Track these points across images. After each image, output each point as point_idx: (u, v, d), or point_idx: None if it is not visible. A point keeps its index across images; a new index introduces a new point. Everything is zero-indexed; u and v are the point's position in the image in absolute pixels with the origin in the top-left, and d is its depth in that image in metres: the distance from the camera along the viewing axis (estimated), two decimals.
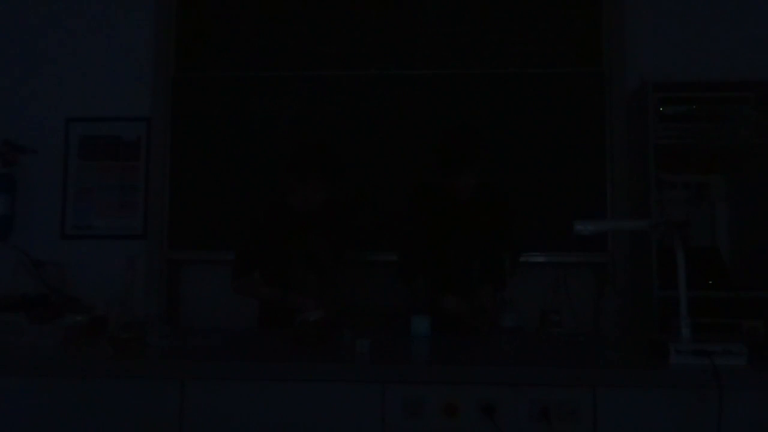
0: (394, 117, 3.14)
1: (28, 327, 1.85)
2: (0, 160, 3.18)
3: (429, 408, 1.52)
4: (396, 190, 3.07)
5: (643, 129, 2.84)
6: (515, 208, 2.51)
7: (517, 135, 3.06)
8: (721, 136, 2.82)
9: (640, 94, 2.88)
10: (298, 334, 1.84)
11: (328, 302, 2.25)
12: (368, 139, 3.13)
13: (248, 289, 2.42)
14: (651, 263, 2.72)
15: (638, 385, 1.51)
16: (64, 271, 3.11)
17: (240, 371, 1.58)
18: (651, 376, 1.51)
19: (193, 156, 3.20)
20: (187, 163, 3.20)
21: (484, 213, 2.37)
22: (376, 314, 2.65)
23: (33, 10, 3.35)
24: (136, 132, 3.26)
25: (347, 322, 2.06)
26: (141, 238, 3.21)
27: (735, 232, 3.09)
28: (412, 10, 3.22)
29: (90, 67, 3.30)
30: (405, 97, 3.15)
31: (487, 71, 3.15)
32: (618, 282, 2.96)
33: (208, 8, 3.28)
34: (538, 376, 1.52)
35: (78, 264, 3.15)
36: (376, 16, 3.22)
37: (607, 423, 1.50)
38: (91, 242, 3.23)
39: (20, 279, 2.70)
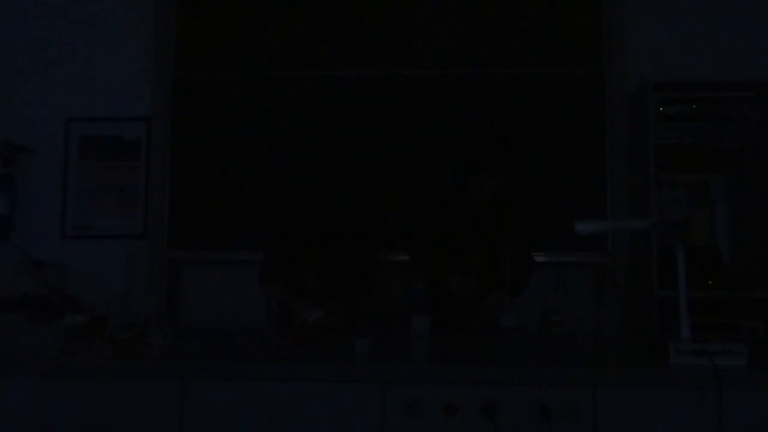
0: (394, 117, 3.14)
1: (28, 327, 1.85)
2: (0, 160, 3.18)
3: (429, 408, 1.52)
4: (395, 189, 3.08)
5: (643, 129, 2.84)
6: (532, 217, 2.52)
7: (517, 135, 3.05)
8: (721, 136, 2.82)
9: (640, 94, 2.88)
10: (297, 334, 1.84)
11: (336, 311, 2.27)
12: (368, 138, 3.13)
13: (269, 291, 2.55)
14: (651, 263, 2.72)
15: (638, 385, 1.51)
16: (64, 271, 3.11)
17: (240, 371, 1.58)
18: (651, 376, 1.51)
19: (193, 156, 3.20)
20: (187, 163, 3.20)
21: (500, 217, 2.38)
22: (376, 314, 2.65)
23: (33, 10, 3.35)
24: (136, 132, 3.26)
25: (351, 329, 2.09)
26: (141, 238, 3.21)
27: (735, 232, 3.09)
28: (412, 10, 3.22)
29: (90, 67, 3.30)
30: (405, 97, 3.15)
31: (487, 71, 3.15)
32: (618, 282, 2.96)
33: (208, 8, 3.28)
34: (538, 376, 1.52)
35: (78, 264, 3.15)
36: (377, 16, 3.22)
37: (607, 423, 1.49)
38: (91, 242, 3.23)
39: (20, 279, 2.70)
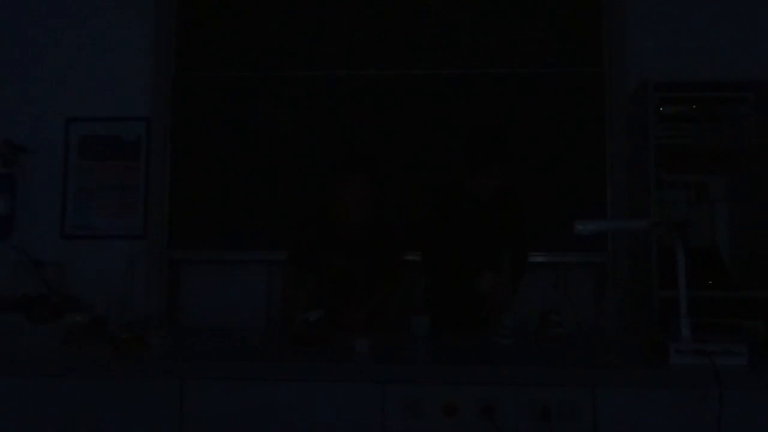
0: (394, 117, 3.14)
1: (28, 327, 1.85)
2: (0, 160, 3.18)
3: (429, 408, 1.52)
4: (394, 189, 3.07)
5: (643, 129, 2.83)
6: (527, 216, 2.52)
7: (518, 135, 3.05)
8: (721, 136, 2.82)
9: (640, 94, 2.88)
10: (298, 334, 1.84)
11: (359, 309, 2.27)
12: (368, 138, 3.13)
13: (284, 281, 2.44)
14: (651, 263, 2.72)
15: (638, 385, 1.51)
16: (64, 271, 3.11)
17: (240, 371, 1.58)
18: (651, 376, 1.51)
19: (193, 156, 3.20)
20: (187, 163, 3.20)
21: (500, 215, 2.38)
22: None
23: (33, 10, 3.34)
24: (136, 132, 3.26)
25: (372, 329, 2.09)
26: (141, 238, 3.21)
27: (735, 232, 3.09)
28: (412, 10, 3.22)
29: (90, 67, 3.30)
30: (405, 97, 3.15)
31: (487, 71, 3.15)
32: (618, 282, 2.96)
33: (208, 8, 3.28)
34: (538, 376, 1.52)
35: (78, 264, 3.15)
36: (376, 16, 3.22)
37: (607, 423, 1.50)
38: (91, 242, 3.23)
39: (20, 279, 2.70)
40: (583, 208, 3.03)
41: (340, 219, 2.37)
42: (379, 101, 3.15)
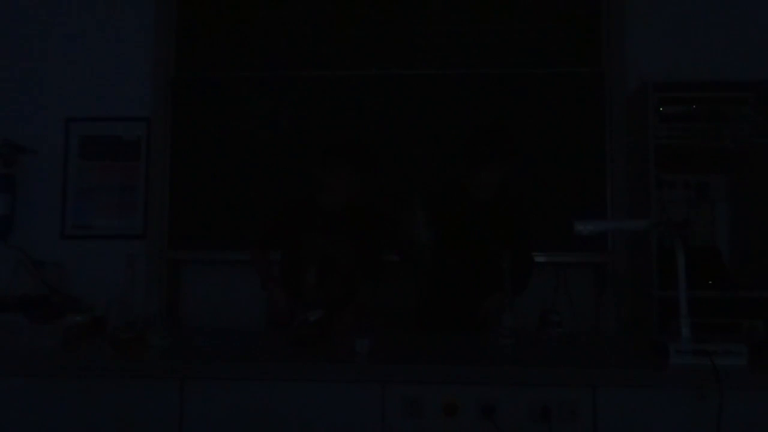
0: (394, 117, 3.14)
1: (28, 327, 1.85)
2: (0, 160, 3.18)
3: (429, 408, 1.52)
4: (394, 189, 3.08)
5: (643, 129, 2.84)
6: (530, 215, 2.52)
7: (518, 135, 3.05)
8: (721, 136, 2.82)
9: (640, 94, 2.88)
10: (297, 334, 1.84)
11: (349, 309, 2.27)
12: (367, 139, 3.13)
13: (253, 258, 2.53)
14: (651, 263, 2.72)
15: (638, 385, 1.51)
16: (64, 271, 3.11)
17: (240, 371, 1.58)
18: (651, 376, 1.51)
19: (193, 156, 3.20)
20: (187, 163, 3.20)
21: (501, 215, 2.38)
22: (377, 313, 2.65)
23: (33, 10, 3.34)
24: (136, 132, 3.26)
25: (364, 327, 2.08)
26: (141, 238, 3.21)
27: (735, 232, 3.09)
28: (412, 10, 3.22)
29: (90, 67, 3.30)
30: (405, 97, 3.15)
31: (487, 71, 3.15)
32: (618, 282, 2.96)
33: (208, 8, 3.28)
34: (538, 376, 1.52)
35: (78, 264, 3.15)
36: (376, 16, 3.22)
37: (607, 423, 1.50)
38: (91, 242, 3.23)
39: (20, 279, 2.70)
40: (583, 208, 3.03)
41: (320, 203, 2.39)
42: (379, 101, 3.15)
